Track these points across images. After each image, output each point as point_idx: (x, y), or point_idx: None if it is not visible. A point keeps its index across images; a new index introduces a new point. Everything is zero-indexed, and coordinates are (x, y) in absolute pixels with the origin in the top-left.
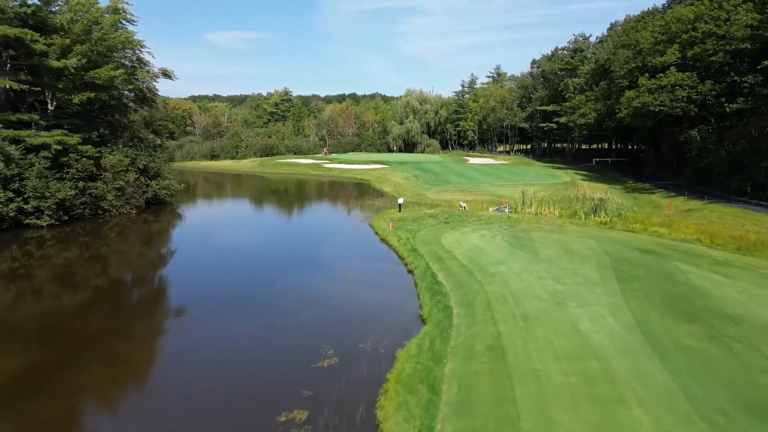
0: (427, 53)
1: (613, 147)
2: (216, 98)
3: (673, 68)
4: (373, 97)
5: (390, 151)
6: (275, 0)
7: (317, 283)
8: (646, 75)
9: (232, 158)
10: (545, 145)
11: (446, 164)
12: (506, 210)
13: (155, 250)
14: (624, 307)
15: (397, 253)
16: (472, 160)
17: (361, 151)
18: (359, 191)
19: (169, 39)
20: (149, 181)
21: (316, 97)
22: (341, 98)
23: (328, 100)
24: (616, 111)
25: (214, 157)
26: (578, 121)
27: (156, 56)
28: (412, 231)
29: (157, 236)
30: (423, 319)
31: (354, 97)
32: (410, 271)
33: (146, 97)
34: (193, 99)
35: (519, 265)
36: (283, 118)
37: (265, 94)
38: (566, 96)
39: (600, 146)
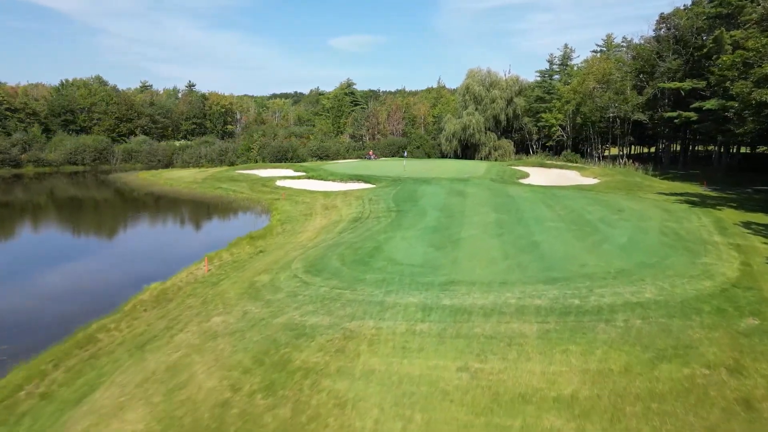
0: (547, 50)
1: None
2: (296, 95)
3: None
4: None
5: (442, 156)
6: (397, 3)
7: None
8: None
9: (231, 164)
10: (677, 148)
11: (466, 188)
12: None
13: None
14: None
15: None
16: (535, 177)
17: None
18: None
19: (299, 47)
20: None
21: (402, 92)
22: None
23: (412, 94)
24: None
25: (222, 161)
26: (754, 96)
27: (285, 62)
28: None
29: None
30: None
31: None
32: None
33: None
34: (274, 96)
35: None
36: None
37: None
38: (716, 63)
39: None
